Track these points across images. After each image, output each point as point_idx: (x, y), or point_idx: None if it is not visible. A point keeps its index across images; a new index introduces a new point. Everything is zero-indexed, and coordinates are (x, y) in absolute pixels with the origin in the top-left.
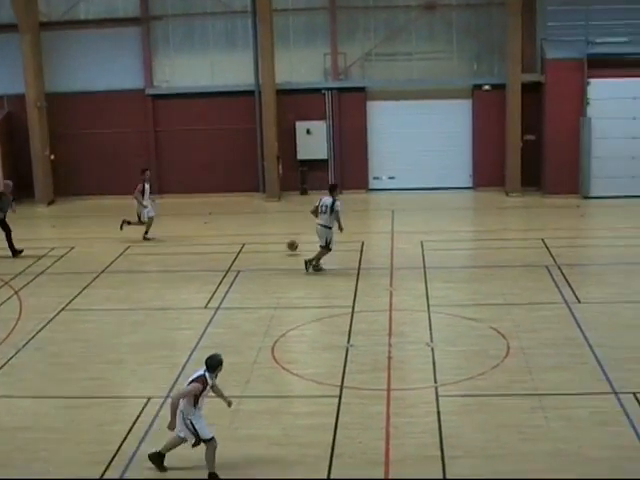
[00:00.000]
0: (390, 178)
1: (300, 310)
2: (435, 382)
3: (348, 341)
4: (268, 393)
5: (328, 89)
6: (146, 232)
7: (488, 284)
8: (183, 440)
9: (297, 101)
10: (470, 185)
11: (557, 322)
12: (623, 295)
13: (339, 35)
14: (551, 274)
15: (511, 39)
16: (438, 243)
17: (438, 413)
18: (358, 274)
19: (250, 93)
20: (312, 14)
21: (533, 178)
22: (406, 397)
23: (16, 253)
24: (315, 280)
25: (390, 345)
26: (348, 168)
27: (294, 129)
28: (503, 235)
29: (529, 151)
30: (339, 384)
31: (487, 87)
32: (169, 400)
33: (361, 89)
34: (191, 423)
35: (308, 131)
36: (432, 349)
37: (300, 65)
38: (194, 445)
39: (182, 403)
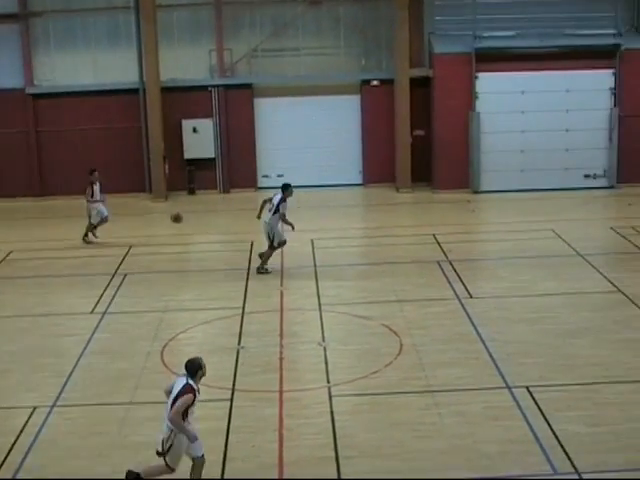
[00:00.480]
0: (279, 176)
1: (190, 312)
2: (328, 382)
3: (239, 343)
4: (158, 399)
5: (214, 86)
6: (86, 234)
7: (379, 281)
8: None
9: (183, 99)
10: (360, 182)
11: (449, 318)
12: (514, 289)
13: (225, 31)
14: (442, 270)
15: (399, 34)
16: (328, 241)
17: (332, 413)
18: (248, 274)
19: (134, 91)
20: (197, 9)
21: (423, 174)
22: (299, 398)
23: None
24: (204, 281)
25: (282, 346)
26: (236, 166)
27: (180, 127)
28: (394, 231)
29: (419, 146)
30: (230, 387)
31: (375, 82)
32: (169, 424)
33: (248, 86)
34: (176, 437)
35: (195, 129)
36: (324, 349)
37: (185, 62)
38: (160, 454)
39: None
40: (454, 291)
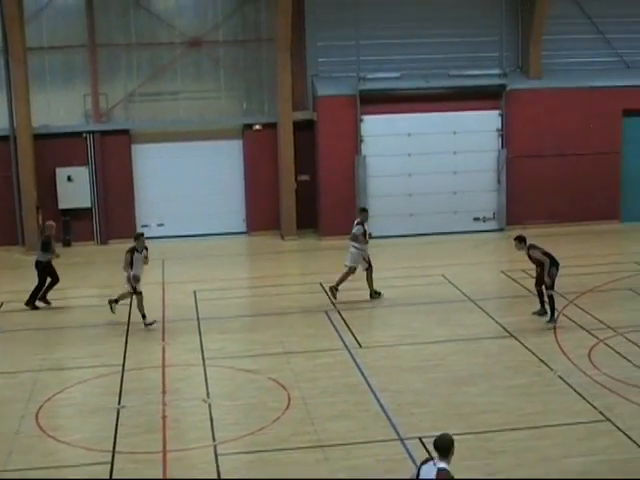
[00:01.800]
0: (159, 225)
1: (67, 371)
2: (214, 440)
3: (119, 402)
4: (33, 465)
5: (90, 132)
6: (117, 300)
7: (266, 333)
8: None
9: (56, 146)
10: (244, 230)
11: (338, 369)
12: (405, 337)
13: (100, 75)
14: (331, 319)
15: (281, 76)
16: (212, 292)
17: (218, 473)
18: (128, 329)
19: (4, 138)
20: (70, 52)
21: (309, 220)
22: (184, 458)
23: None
24: (82, 338)
25: (164, 404)
26: (114, 216)
27: (54, 176)
28: (280, 281)
29: (304, 192)
30: (111, 449)
31: (258, 126)
32: None
33: (125, 131)
34: None
35: (69, 178)
36: (209, 405)
37: (59, 107)
38: None
39: None
40: (343, 341)
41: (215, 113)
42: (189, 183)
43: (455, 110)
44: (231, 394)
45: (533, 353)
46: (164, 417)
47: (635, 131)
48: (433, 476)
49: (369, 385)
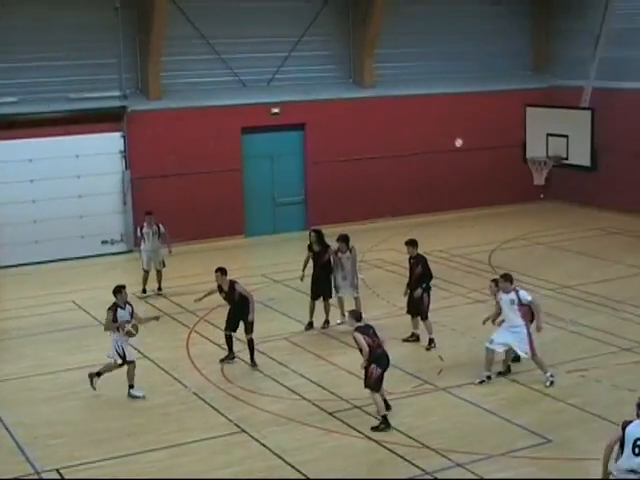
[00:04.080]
0: None
1: None
2: None
3: None
4: None
5: None
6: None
7: None
8: None
9: None
10: None
11: None
12: (38, 367)
13: None
14: None
15: None
16: None
17: None
18: None
19: None
20: None
21: None
22: None
23: None
24: None
25: None
26: None
27: None
28: None
29: None
30: None
31: None
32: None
33: None
34: None
35: None
36: None
37: None
38: None
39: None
40: None
41: None
42: None
43: (77, 133)
44: None
45: (166, 372)
46: None
47: (253, 148)
48: None
49: (1, 420)
